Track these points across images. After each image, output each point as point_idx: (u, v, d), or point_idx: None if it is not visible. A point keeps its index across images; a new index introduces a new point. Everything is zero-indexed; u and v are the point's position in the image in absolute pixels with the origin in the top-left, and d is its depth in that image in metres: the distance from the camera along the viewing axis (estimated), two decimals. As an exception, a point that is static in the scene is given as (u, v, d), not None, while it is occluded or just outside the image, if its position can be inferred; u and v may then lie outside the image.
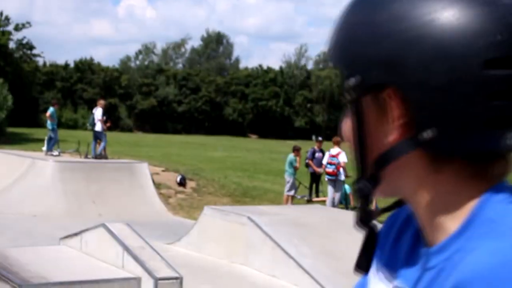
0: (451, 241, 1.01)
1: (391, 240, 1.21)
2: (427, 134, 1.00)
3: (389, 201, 1.19)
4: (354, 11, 1.08)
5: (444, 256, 1.01)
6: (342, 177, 18.89)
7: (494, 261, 0.92)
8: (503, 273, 0.90)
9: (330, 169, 18.79)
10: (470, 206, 1.02)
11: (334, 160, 18.74)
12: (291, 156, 19.88)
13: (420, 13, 0.99)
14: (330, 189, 18.95)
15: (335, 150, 19.07)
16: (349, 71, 1.05)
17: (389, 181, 1.07)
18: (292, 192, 19.40)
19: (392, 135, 1.03)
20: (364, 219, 1.11)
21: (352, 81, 1.04)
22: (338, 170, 18.71)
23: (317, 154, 20.60)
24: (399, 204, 1.19)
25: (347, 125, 1.10)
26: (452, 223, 1.03)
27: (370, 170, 1.07)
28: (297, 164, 19.75)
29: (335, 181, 18.78)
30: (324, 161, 19.26)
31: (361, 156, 1.07)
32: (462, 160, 1.02)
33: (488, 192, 1.02)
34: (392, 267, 1.16)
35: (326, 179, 19.25)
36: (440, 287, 0.98)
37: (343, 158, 18.86)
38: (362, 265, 1.13)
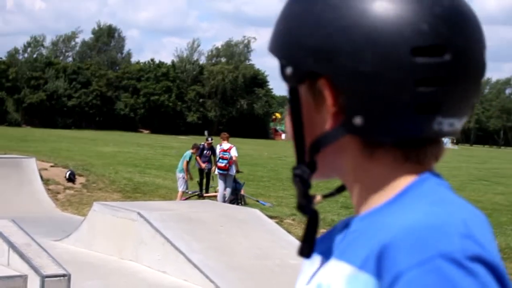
0: (378, 209, 1.07)
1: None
2: (356, 120, 1.05)
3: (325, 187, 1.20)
4: (292, 2, 1.11)
5: (368, 220, 1.07)
6: (233, 172, 18.97)
7: (425, 220, 0.97)
8: (433, 230, 0.95)
9: (222, 163, 18.81)
10: (402, 186, 1.07)
11: (226, 155, 18.79)
12: (188, 152, 19.82)
13: (352, 3, 1.04)
14: (221, 184, 19.00)
15: (226, 145, 19.12)
16: (286, 60, 1.09)
17: (327, 164, 1.12)
18: (183, 188, 19.35)
19: (327, 123, 1.07)
20: (304, 205, 1.12)
21: (288, 70, 1.08)
22: (230, 165, 18.78)
23: (206, 152, 20.54)
24: (340, 190, 1.22)
25: (287, 115, 1.13)
26: (382, 199, 1.08)
27: (308, 156, 1.10)
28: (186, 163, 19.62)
29: (226, 176, 18.84)
30: (217, 151, 19.31)
31: (297, 143, 1.10)
32: (393, 145, 1.07)
33: (420, 175, 1.07)
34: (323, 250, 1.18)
35: (216, 173, 19.25)
36: (360, 245, 1.03)
37: (234, 152, 18.94)
38: (305, 251, 1.11)
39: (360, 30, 1.03)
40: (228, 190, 18.94)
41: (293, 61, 1.08)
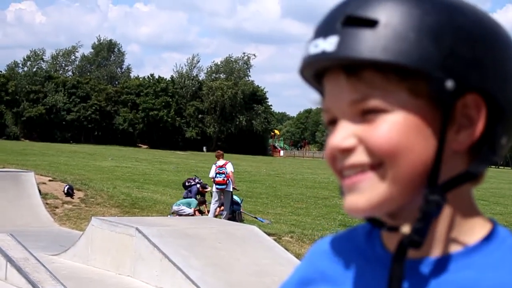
0: (466, 255, 1.02)
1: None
2: (503, 142, 1.02)
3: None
4: (429, 13, 0.98)
5: (456, 267, 1.01)
6: (230, 188, 18.94)
7: None
8: None
9: (219, 178, 18.79)
10: (481, 223, 1.05)
11: (223, 170, 18.79)
12: (194, 201, 19.74)
13: (493, 23, 1.02)
14: (214, 198, 18.92)
15: (221, 161, 19.10)
16: (444, 73, 0.96)
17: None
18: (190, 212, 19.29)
19: (461, 146, 1.00)
20: (420, 242, 0.99)
21: (449, 84, 0.95)
22: (228, 179, 18.77)
23: (195, 194, 20.66)
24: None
25: (397, 129, 0.98)
26: (465, 238, 1.03)
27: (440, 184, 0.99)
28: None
29: (223, 192, 18.82)
30: (212, 174, 19.16)
31: (438, 163, 0.98)
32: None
33: (487, 218, 1.07)
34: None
35: (215, 189, 19.14)
36: None
37: (230, 167, 18.93)
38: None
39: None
40: (226, 209, 18.92)
41: (454, 74, 0.96)
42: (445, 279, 1.01)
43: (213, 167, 19.12)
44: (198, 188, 20.71)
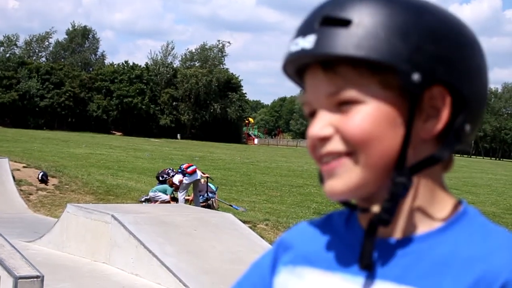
0: (439, 232, 1.11)
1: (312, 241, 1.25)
2: (467, 128, 1.11)
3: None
4: (397, 12, 1.07)
5: (431, 243, 1.10)
6: (199, 176, 18.93)
7: None
8: None
9: (184, 164, 18.95)
10: (451, 203, 1.16)
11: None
12: (169, 188, 19.71)
13: (454, 19, 1.13)
14: (183, 188, 18.86)
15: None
16: (411, 67, 1.05)
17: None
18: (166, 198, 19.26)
19: (428, 133, 1.10)
20: (388, 220, 1.09)
21: (415, 77, 1.05)
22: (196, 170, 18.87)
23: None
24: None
25: (369, 119, 1.07)
26: (438, 219, 1.13)
27: (409, 166, 1.09)
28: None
29: (194, 181, 18.84)
30: (178, 177, 19.02)
31: (404, 149, 1.08)
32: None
33: (455, 198, 1.17)
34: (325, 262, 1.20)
35: (186, 180, 18.93)
36: (442, 273, 1.07)
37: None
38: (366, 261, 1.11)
39: (477, 46, 1.13)
40: (195, 196, 18.96)
41: (421, 68, 1.06)
42: (421, 255, 1.10)
43: (177, 175, 19.06)
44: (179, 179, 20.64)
